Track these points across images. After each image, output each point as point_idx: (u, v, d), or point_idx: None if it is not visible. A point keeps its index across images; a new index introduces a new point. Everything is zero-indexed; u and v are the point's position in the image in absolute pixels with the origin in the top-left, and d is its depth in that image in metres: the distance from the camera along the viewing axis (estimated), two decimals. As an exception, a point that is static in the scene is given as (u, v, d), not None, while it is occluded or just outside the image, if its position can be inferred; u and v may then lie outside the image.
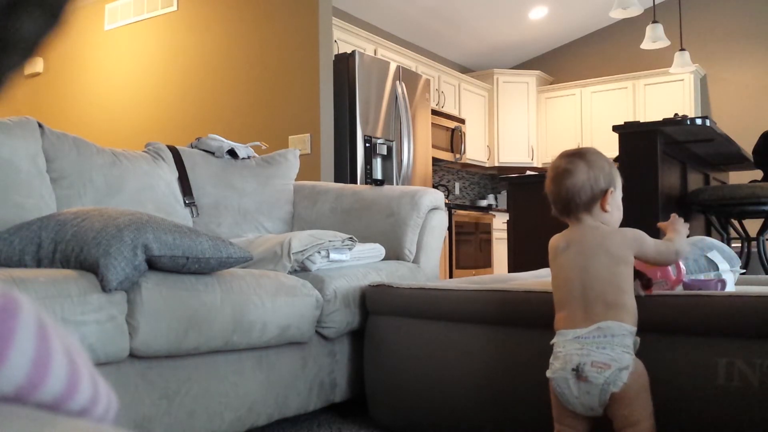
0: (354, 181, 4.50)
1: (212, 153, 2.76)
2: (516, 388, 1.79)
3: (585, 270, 1.44)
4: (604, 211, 1.48)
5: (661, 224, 1.63)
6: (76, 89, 5.35)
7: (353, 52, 4.61)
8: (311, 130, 4.11)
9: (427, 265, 2.57)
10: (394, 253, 2.50)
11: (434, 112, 5.82)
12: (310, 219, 2.74)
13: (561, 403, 1.43)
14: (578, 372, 1.37)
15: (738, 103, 6.75)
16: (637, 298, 1.47)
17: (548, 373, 1.44)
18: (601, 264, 1.43)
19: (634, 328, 1.41)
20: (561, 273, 1.50)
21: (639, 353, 1.42)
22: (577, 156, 1.51)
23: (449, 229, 5.57)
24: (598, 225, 1.49)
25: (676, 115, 4.02)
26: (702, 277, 1.82)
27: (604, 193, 1.48)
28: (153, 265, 1.57)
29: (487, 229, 6.29)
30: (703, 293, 1.58)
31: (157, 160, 2.49)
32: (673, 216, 1.61)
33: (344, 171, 4.52)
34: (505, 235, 6.04)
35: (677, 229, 1.56)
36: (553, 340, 1.46)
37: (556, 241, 1.53)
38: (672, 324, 1.57)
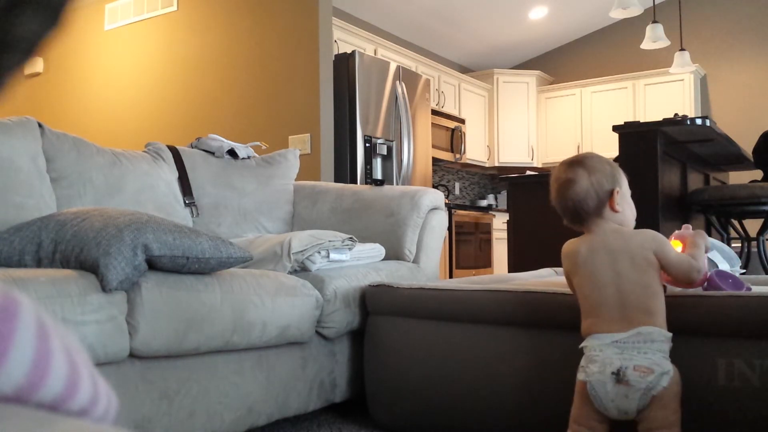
0: (354, 181, 4.50)
1: (212, 153, 2.76)
2: (516, 388, 1.79)
3: (619, 275, 1.43)
4: (615, 211, 1.47)
5: (679, 234, 1.59)
6: (76, 89, 5.35)
7: (353, 52, 4.61)
8: (311, 130, 4.11)
9: (427, 265, 2.57)
10: (394, 253, 2.50)
11: (434, 112, 5.82)
12: (310, 219, 2.74)
13: (592, 405, 1.41)
14: (619, 376, 1.36)
15: (738, 103, 6.75)
16: None
17: (582, 377, 1.42)
18: (629, 268, 1.42)
19: (670, 334, 1.40)
20: (591, 279, 1.47)
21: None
22: (576, 164, 1.50)
23: (449, 229, 5.57)
24: (617, 228, 1.47)
25: (676, 115, 4.02)
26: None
27: (611, 194, 1.47)
28: (153, 265, 1.57)
29: (487, 229, 6.29)
30: (703, 293, 1.58)
31: (157, 160, 2.49)
32: (686, 227, 1.58)
33: (344, 171, 4.52)
34: (505, 235, 6.04)
35: (697, 243, 1.52)
36: (584, 344, 1.44)
37: (575, 246, 1.51)
38: (672, 324, 1.57)
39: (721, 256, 1.91)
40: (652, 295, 1.41)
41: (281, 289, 1.89)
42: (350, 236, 2.26)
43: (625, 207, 1.49)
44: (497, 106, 7.38)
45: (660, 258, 1.43)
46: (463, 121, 6.56)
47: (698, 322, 1.54)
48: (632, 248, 1.43)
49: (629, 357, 1.36)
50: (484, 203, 7.13)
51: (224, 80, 4.53)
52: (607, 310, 1.42)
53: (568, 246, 1.53)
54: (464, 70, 7.67)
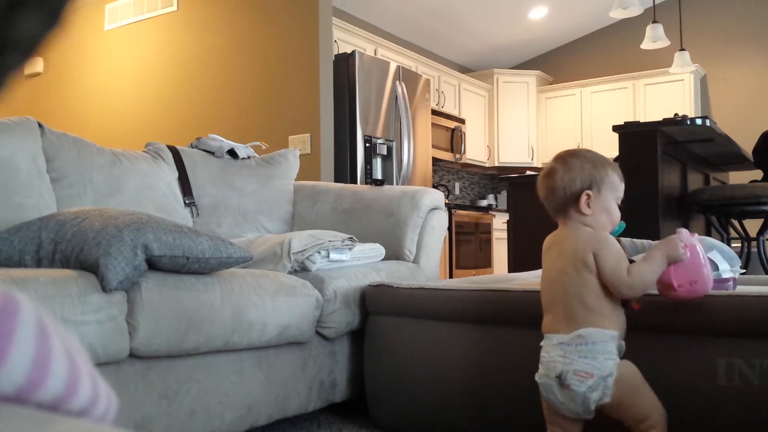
0: (354, 181, 4.50)
1: (212, 153, 2.76)
2: (515, 387, 1.79)
3: (564, 272, 1.43)
4: (581, 213, 1.44)
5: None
6: (76, 89, 5.35)
7: (353, 52, 4.61)
8: (311, 130, 4.11)
9: (427, 265, 2.57)
10: (394, 253, 2.50)
11: (434, 112, 5.82)
12: (310, 219, 2.74)
13: (553, 408, 1.43)
14: (561, 380, 1.37)
15: (738, 103, 6.75)
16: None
17: (536, 377, 1.44)
18: (571, 267, 1.42)
19: (617, 332, 1.39)
20: (544, 275, 1.50)
21: (637, 353, 1.42)
22: (560, 158, 1.49)
23: (449, 229, 5.57)
24: (578, 226, 1.45)
25: (676, 115, 4.03)
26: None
27: (579, 196, 1.43)
28: (153, 265, 1.57)
29: (487, 229, 6.29)
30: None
31: (157, 160, 2.49)
32: (676, 236, 1.45)
33: (344, 171, 4.52)
34: (505, 235, 6.04)
35: (651, 256, 1.41)
36: (541, 343, 1.46)
37: (545, 240, 1.53)
38: (672, 324, 1.57)
39: (721, 256, 1.91)
40: (594, 296, 1.39)
41: (281, 289, 1.89)
42: (350, 236, 2.26)
43: (598, 211, 1.44)
44: (497, 106, 7.38)
45: (596, 262, 1.39)
46: (463, 121, 6.56)
47: (698, 322, 1.53)
48: (577, 247, 1.42)
49: (570, 361, 1.37)
50: (484, 203, 7.13)
51: (224, 80, 4.53)
52: (555, 308, 1.44)
53: (546, 239, 1.54)
54: (464, 70, 7.67)
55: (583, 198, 1.43)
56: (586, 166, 1.46)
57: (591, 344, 1.36)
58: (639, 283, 1.38)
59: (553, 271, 1.46)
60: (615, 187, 1.47)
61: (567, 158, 1.48)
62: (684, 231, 1.49)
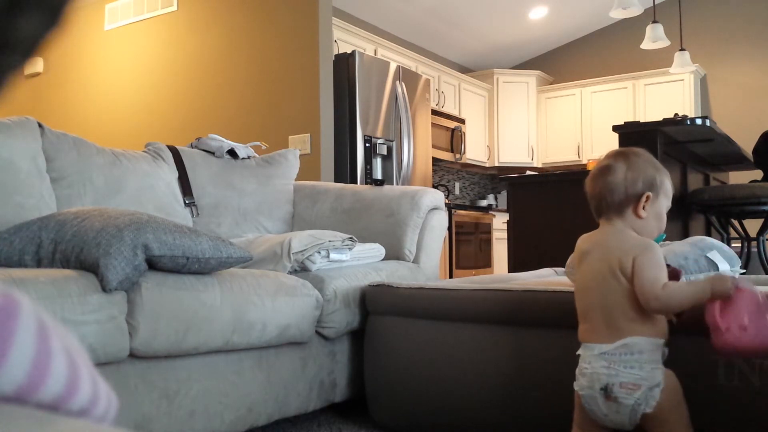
0: (354, 181, 4.50)
1: (212, 153, 2.76)
2: (516, 387, 1.79)
3: (603, 277, 1.35)
4: (638, 216, 1.38)
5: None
6: (76, 89, 5.35)
7: (353, 52, 4.61)
8: (311, 130, 4.11)
9: (427, 265, 2.57)
10: (394, 253, 2.50)
11: (434, 112, 5.82)
12: (310, 219, 2.74)
13: (588, 415, 1.38)
14: (606, 392, 1.31)
15: (738, 103, 6.75)
16: None
17: (576, 388, 1.39)
18: (612, 272, 1.34)
19: (663, 340, 1.34)
20: (582, 280, 1.41)
21: None
22: (621, 155, 1.43)
23: (449, 229, 5.57)
24: (625, 229, 1.39)
25: (676, 115, 4.03)
26: (702, 277, 1.81)
27: (640, 197, 1.38)
28: (153, 265, 1.57)
29: (487, 229, 6.29)
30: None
31: (157, 160, 2.49)
32: (731, 276, 1.39)
33: (344, 171, 4.52)
34: (505, 235, 6.04)
35: (696, 281, 1.36)
36: (579, 352, 1.40)
37: (581, 242, 1.45)
38: (671, 324, 1.57)
39: (721, 256, 1.91)
40: (638, 304, 1.32)
41: (281, 289, 1.89)
42: (350, 236, 2.26)
43: (651, 217, 1.40)
44: (497, 106, 7.38)
45: (634, 266, 1.32)
46: (463, 121, 6.56)
47: (698, 321, 1.53)
48: (623, 251, 1.35)
49: (616, 372, 1.30)
50: (484, 203, 7.13)
51: (224, 80, 4.53)
52: (594, 315, 1.36)
53: (579, 240, 1.47)
54: (464, 70, 7.67)
55: (643, 199, 1.39)
56: (648, 168, 1.41)
57: (638, 353, 1.30)
58: (667, 299, 1.31)
59: (591, 276, 1.38)
60: (669, 195, 1.45)
61: (629, 156, 1.42)
62: (743, 278, 1.43)
